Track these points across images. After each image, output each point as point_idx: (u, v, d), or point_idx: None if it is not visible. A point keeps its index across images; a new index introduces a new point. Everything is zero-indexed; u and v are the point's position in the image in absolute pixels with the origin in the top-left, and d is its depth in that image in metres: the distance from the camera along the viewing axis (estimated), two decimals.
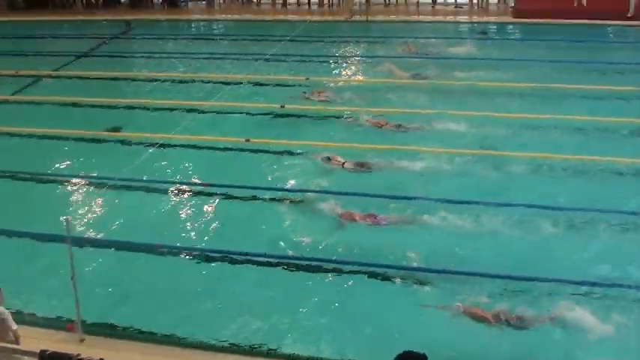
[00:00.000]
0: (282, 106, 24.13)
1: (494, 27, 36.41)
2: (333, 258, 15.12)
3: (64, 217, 12.41)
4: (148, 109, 25.20)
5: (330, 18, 39.20)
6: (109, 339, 12.73)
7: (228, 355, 12.28)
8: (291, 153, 20.58)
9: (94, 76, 29.48)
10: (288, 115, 23.63)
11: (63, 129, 22.90)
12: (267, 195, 18.19)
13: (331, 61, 30.42)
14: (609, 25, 33.25)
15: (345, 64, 30.17)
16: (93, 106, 25.71)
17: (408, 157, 19.54)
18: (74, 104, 25.83)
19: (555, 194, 17.35)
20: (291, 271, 14.92)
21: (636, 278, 14.01)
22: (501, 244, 15.41)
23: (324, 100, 24.79)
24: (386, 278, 14.44)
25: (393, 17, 38.66)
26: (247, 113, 23.98)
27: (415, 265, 14.78)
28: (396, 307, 13.62)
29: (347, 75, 28.69)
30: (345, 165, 19.33)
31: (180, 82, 28.63)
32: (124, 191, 18.52)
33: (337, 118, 23.19)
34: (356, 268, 14.76)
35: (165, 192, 18.70)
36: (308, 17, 38.17)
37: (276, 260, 15.23)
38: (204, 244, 16.09)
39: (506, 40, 34.44)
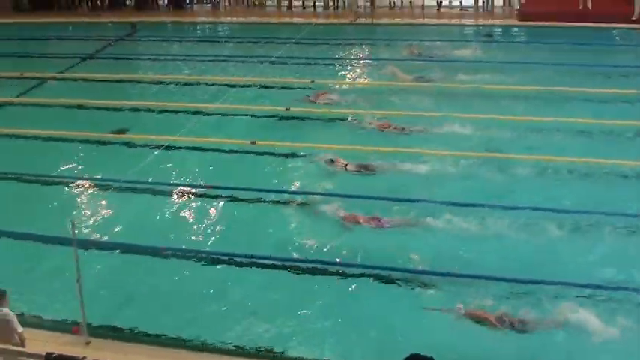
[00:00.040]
0: (287, 109, 24.15)
1: (500, 30, 36.36)
2: (338, 261, 15.16)
3: (70, 220, 12.43)
4: (154, 111, 25.22)
5: (335, 20, 39.17)
6: (114, 341, 12.78)
7: (233, 357, 12.33)
8: (296, 155, 20.61)
9: (99, 78, 29.53)
10: (293, 118, 23.64)
11: (68, 131, 22.95)
12: (272, 198, 18.25)
13: (336, 64, 30.41)
14: (614, 29, 33.22)
15: (349, 67, 30.18)
16: (98, 108, 25.77)
17: (412, 159, 19.57)
18: (79, 106, 25.90)
19: (560, 197, 17.35)
20: (296, 273, 14.96)
21: None
22: (506, 247, 15.41)
23: (328, 102, 24.80)
24: (390, 281, 14.47)
25: (398, 20, 38.62)
26: (252, 116, 24.02)
27: (419, 267, 14.80)
28: (401, 310, 13.64)
29: (352, 78, 28.71)
30: (348, 167, 19.35)
31: (186, 84, 28.65)
32: (129, 193, 18.55)
33: (342, 120, 23.18)
34: (360, 270, 14.81)
35: (170, 194, 18.74)
36: (313, 20, 38.20)
37: (281, 263, 15.27)
38: (209, 247, 16.12)
39: (511, 42, 34.41)
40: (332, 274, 14.80)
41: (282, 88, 26.87)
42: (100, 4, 45.71)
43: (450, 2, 40.76)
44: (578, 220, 16.19)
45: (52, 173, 20.26)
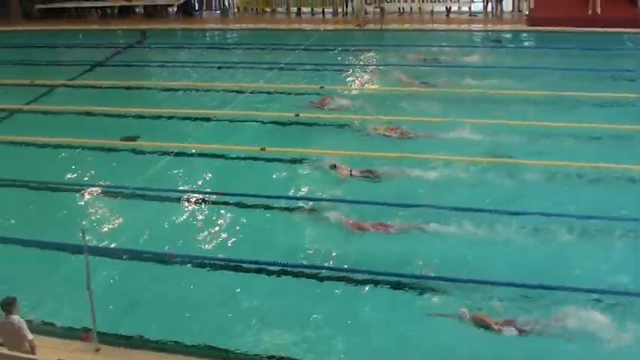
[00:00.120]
0: (296, 115, 24.16)
1: (509, 35, 36.34)
2: (344, 266, 15.16)
3: (81, 227, 12.45)
4: (163, 118, 25.27)
5: (343, 27, 39.17)
6: (124, 348, 12.79)
7: None
8: (303, 161, 20.60)
9: (109, 85, 29.62)
10: (302, 124, 23.64)
11: (78, 138, 23.02)
12: (280, 204, 18.24)
13: (344, 70, 30.38)
14: (623, 33, 33.11)
15: (357, 73, 30.13)
16: (108, 115, 25.82)
17: (420, 165, 19.53)
18: (89, 114, 25.98)
19: (570, 202, 17.28)
20: (302, 279, 14.94)
21: None
22: (515, 252, 15.37)
23: (334, 108, 24.83)
24: (397, 287, 14.44)
25: (407, 26, 38.61)
26: (262, 122, 24.03)
27: (426, 273, 14.76)
28: (407, 316, 13.63)
29: (360, 83, 28.67)
30: (352, 173, 19.34)
31: (195, 91, 28.69)
32: (139, 200, 18.59)
33: (351, 126, 23.14)
34: (366, 276, 14.79)
35: (179, 201, 18.77)
36: (322, 26, 38.22)
37: (288, 269, 15.26)
38: (217, 253, 16.12)
39: (520, 48, 34.40)
40: (339, 279, 14.80)
41: (291, 94, 26.87)
42: (109, 11, 45.86)
43: (459, 8, 40.70)
44: (588, 226, 16.13)
45: (62, 180, 20.30)
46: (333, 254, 15.63)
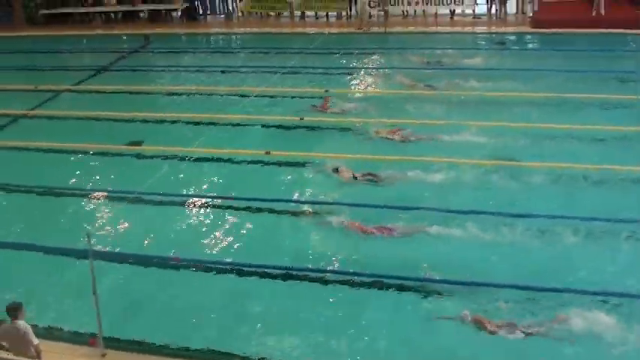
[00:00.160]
0: (301, 119, 24.19)
1: (513, 37, 36.31)
2: (349, 270, 15.19)
3: (86, 232, 12.47)
4: (168, 122, 25.25)
5: (347, 30, 39.17)
6: (130, 353, 12.81)
7: None
8: (307, 165, 20.58)
9: (113, 90, 29.66)
10: (307, 127, 23.65)
11: (83, 143, 23.06)
12: (283, 207, 18.23)
13: (348, 73, 30.36)
14: (628, 34, 33.04)
15: (362, 76, 30.10)
16: (113, 120, 25.80)
17: (424, 167, 19.52)
18: (94, 119, 25.97)
19: (575, 204, 17.26)
20: (307, 283, 14.97)
21: None
22: (520, 254, 15.36)
23: (337, 112, 24.85)
24: (401, 289, 14.46)
25: (411, 29, 38.57)
26: (266, 126, 24.08)
27: (430, 276, 14.76)
28: (411, 319, 13.66)
29: (365, 87, 28.68)
30: (358, 176, 19.34)
31: (200, 95, 28.68)
32: (144, 205, 18.59)
33: (355, 129, 23.12)
34: (371, 279, 14.82)
35: (185, 205, 18.77)
36: (326, 30, 38.23)
37: (292, 272, 15.27)
38: (223, 257, 16.15)
39: (524, 50, 34.37)
40: (343, 283, 14.83)
41: (295, 97, 26.86)
42: (113, 16, 45.91)
43: (463, 11, 40.69)
44: (593, 228, 16.11)
45: (67, 185, 20.32)
46: (337, 258, 15.65)
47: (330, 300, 14.35)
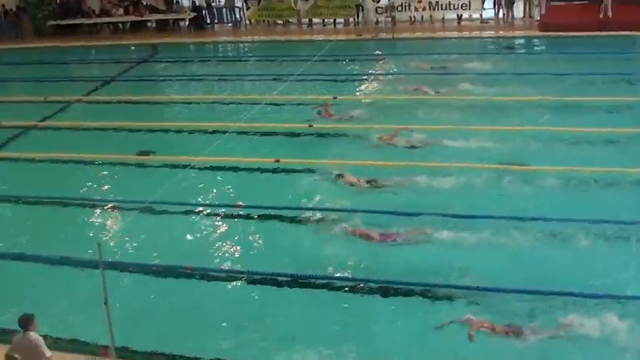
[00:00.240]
0: (310, 125, 24.21)
1: (521, 41, 36.32)
2: (354, 276, 15.18)
3: (97, 242, 12.46)
4: (178, 131, 25.33)
5: (355, 37, 39.20)
6: None
7: None
8: (316, 172, 20.50)
9: (123, 100, 29.75)
10: (316, 134, 23.65)
11: (93, 153, 23.12)
12: (291, 214, 18.17)
13: (356, 80, 30.44)
14: (635, 36, 33.03)
15: (370, 82, 30.10)
16: (122, 130, 25.86)
17: (431, 173, 19.44)
18: (104, 129, 26.06)
19: (586, 207, 17.18)
20: (313, 289, 14.95)
21: None
22: (530, 258, 15.30)
23: (345, 118, 24.88)
24: (407, 294, 14.43)
25: (418, 34, 38.64)
26: (275, 133, 24.06)
27: (438, 281, 14.70)
28: (417, 324, 13.61)
29: (374, 92, 28.65)
30: (360, 182, 19.32)
31: (209, 103, 28.75)
32: (155, 214, 18.59)
33: (364, 136, 23.01)
34: (376, 285, 14.81)
35: (196, 214, 18.78)
36: (334, 37, 38.26)
37: (299, 280, 15.24)
38: (234, 266, 16.16)
39: (532, 54, 34.36)
40: (349, 289, 14.81)
41: (304, 105, 26.87)
42: (121, 27, 46.08)
43: (471, 15, 40.72)
44: (605, 230, 16.03)
45: (78, 196, 20.34)
46: (343, 264, 15.60)
47: (337, 306, 14.33)
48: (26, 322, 11.61)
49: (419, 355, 12.81)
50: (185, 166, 20.07)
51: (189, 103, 29.11)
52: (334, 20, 42.73)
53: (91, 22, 45.80)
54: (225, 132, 22.61)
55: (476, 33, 38.43)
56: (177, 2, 46.52)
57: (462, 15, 40.43)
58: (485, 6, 40.11)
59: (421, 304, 14.11)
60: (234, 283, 15.44)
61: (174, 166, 21.26)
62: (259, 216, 18.27)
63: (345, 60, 33.70)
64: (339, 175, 19.66)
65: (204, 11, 45.59)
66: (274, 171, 20.94)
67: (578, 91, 25.52)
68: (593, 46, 32.14)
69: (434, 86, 27.43)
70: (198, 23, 44.80)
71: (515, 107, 24.50)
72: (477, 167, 19.67)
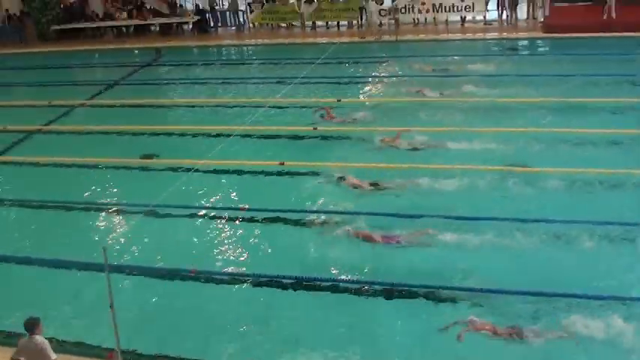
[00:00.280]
0: (314, 128, 24.23)
1: (525, 42, 36.32)
2: (358, 278, 15.18)
3: (102, 246, 12.48)
4: (181, 134, 25.34)
5: (359, 39, 39.22)
6: None
7: None
8: (320, 174, 20.49)
9: (127, 104, 29.79)
10: (320, 137, 23.66)
11: (97, 157, 23.19)
12: (295, 217, 18.15)
13: (360, 82, 30.48)
14: (639, 37, 32.98)
15: (374, 85, 30.17)
16: (126, 133, 25.91)
17: (434, 175, 19.44)
18: (107, 132, 26.10)
19: (590, 209, 17.17)
20: (317, 292, 14.95)
21: None
22: (535, 260, 15.30)
23: (342, 121, 24.90)
24: (410, 296, 14.44)
25: (422, 36, 38.67)
26: (279, 136, 24.08)
27: (441, 283, 14.65)
28: (419, 327, 13.60)
29: (377, 95, 28.68)
30: (363, 185, 19.33)
31: (212, 107, 28.81)
32: (159, 217, 18.61)
33: (368, 138, 23.01)
34: (380, 287, 14.80)
35: (201, 217, 18.81)
36: (337, 39, 38.28)
37: (300, 282, 15.24)
38: (239, 268, 16.18)
39: (536, 55, 34.36)
40: (352, 291, 14.80)
41: (308, 107, 26.88)
42: (125, 30, 46.15)
43: (474, 17, 40.73)
44: (609, 232, 16.01)
45: (82, 199, 20.37)
46: (347, 266, 15.61)
47: (341, 308, 14.33)
48: (32, 325, 11.64)
49: (423, 357, 12.82)
50: (189, 170, 20.07)
51: (193, 106, 29.16)
52: (338, 23, 42.79)
53: (94, 26, 45.91)
54: (229, 135, 22.61)
55: (479, 35, 38.45)
56: (181, 6, 46.68)
57: (465, 17, 40.45)
58: (489, 8, 40.13)
59: (425, 306, 14.11)
60: (239, 285, 15.46)
61: (178, 170, 21.25)
62: (263, 219, 18.26)
63: (348, 62, 33.72)
64: (341, 178, 19.66)
65: (207, 15, 45.68)
66: (278, 174, 20.94)
67: (582, 92, 25.50)
68: (596, 47, 32.16)
69: (437, 88, 27.44)
70: (201, 27, 44.87)
71: (519, 109, 24.49)
72: (480, 169, 19.65)
